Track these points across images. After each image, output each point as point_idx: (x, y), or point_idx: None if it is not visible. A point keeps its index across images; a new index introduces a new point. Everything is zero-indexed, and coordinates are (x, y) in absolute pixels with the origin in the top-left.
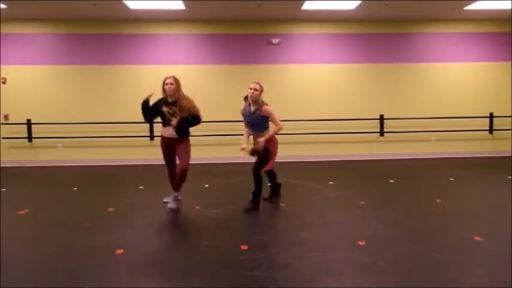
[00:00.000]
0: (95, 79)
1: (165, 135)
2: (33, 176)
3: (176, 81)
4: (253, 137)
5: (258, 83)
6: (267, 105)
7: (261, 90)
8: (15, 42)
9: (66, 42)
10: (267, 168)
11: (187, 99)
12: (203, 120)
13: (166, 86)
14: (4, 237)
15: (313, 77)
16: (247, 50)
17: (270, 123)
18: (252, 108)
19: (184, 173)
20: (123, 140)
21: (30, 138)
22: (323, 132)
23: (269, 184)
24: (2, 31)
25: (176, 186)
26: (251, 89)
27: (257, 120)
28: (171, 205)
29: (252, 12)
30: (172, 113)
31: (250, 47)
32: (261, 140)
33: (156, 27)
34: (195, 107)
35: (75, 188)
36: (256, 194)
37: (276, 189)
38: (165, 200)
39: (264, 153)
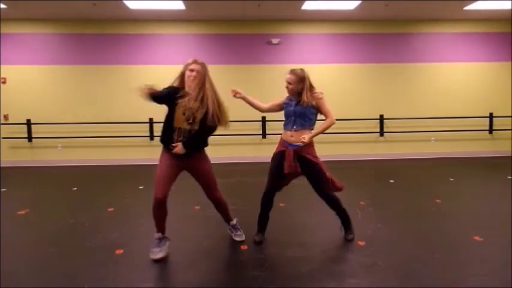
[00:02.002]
0: (95, 79)
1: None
2: (33, 176)
3: (204, 70)
4: (288, 134)
5: (293, 73)
6: (317, 92)
7: (300, 79)
8: (15, 42)
9: (66, 42)
10: (338, 185)
11: (214, 95)
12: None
13: (189, 74)
14: (4, 237)
15: (313, 77)
16: (247, 50)
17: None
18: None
19: (223, 203)
20: (123, 140)
21: (30, 138)
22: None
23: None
24: (2, 31)
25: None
26: (286, 82)
27: (305, 110)
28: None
29: (252, 12)
30: (192, 111)
31: (250, 47)
32: (307, 137)
33: (156, 27)
34: (222, 112)
35: (75, 188)
36: (345, 218)
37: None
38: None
39: (314, 168)
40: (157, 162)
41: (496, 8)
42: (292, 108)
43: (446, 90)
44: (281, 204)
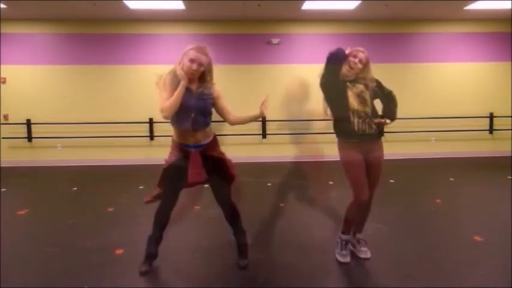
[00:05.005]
0: (95, 79)
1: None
2: (33, 176)
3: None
4: None
5: None
6: None
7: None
8: (15, 42)
9: (66, 42)
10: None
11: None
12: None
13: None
14: (4, 237)
15: (313, 77)
16: (247, 50)
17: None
18: None
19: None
20: (123, 140)
21: (30, 138)
22: (322, 132)
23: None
24: (2, 31)
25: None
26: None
27: None
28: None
29: (252, 12)
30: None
31: (250, 47)
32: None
33: (156, 27)
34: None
35: (75, 188)
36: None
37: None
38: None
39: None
40: (156, 162)
41: (496, 8)
42: None
43: (446, 90)
44: (281, 205)
